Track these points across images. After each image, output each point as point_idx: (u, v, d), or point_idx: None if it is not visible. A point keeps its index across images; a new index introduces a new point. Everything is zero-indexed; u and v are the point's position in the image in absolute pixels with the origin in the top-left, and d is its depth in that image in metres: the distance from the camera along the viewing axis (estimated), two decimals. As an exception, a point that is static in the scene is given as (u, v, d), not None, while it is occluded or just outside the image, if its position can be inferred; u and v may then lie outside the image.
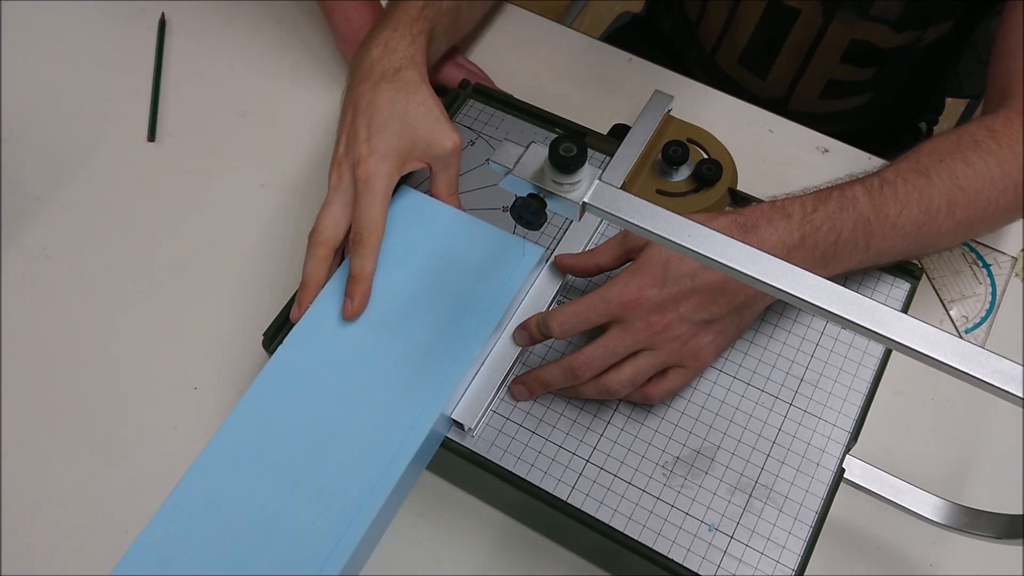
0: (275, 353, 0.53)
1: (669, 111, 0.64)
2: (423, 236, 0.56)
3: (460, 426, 0.52)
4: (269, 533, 0.47)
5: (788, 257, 0.49)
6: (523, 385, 0.54)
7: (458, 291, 0.54)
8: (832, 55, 0.81)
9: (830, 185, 0.53)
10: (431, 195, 0.59)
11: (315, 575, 0.46)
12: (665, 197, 0.61)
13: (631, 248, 0.53)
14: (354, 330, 0.53)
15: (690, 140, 0.63)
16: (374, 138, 0.56)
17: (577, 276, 0.57)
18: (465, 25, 0.71)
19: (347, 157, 0.57)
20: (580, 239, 0.59)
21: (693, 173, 0.62)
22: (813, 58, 0.82)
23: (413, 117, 0.57)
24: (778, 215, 0.51)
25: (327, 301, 0.55)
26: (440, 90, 0.66)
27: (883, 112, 0.89)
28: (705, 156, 0.63)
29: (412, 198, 0.58)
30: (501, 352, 0.54)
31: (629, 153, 0.61)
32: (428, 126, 0.57)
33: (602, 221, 0.60)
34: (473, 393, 0.53)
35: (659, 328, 0.50)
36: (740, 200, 0.61)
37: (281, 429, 0.50)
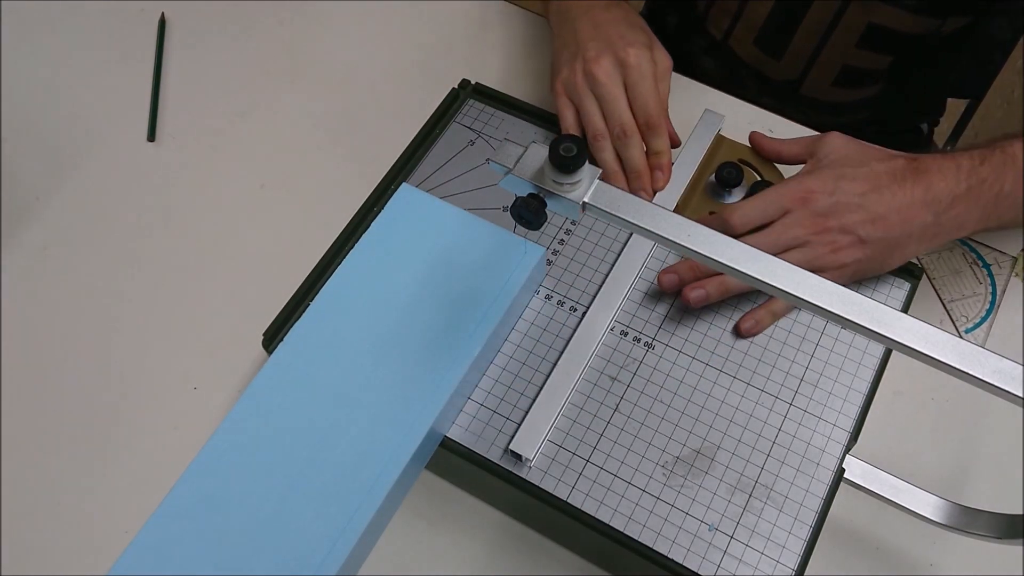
0: (274, 353, 0.53)
1: (720, 131, 0.63)
2: (424, 235, 0.56)
3: (518, 457, 0.52)
4: (266, 533, 0.47)
5: (951, 206, 0.54)
6: (675, 273, 0.56)
7: (459, 291, 0.54)
8: (849, 38, 0.80)
9: (991, 142, 0.56)
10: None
11: (312, 575, 0.46)
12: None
13: (811, 153, 0.58)
14: (353, 330, 0.53)
15: (742, 161, 0.62)
16: (625, 36, 0.60)
17: (760, 152, 0.61)
18: None
19: (607, 54, 0.60)
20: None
21: (746, 195, 0.60)
22: (829, 40, 0.82)
23: (641, 33, 0.62)
24: (949, 164, 0.54)
25: (327, 301, 0.55)
26: None
27: (890, 106, 0.89)
28: (759, 178, 0.61)
29: (413, 197, 0.58)
30: (558, 382, 0.54)
31: (682, 175, 0.61)
32: (649, 40, 0.62)
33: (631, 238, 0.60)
34: (531, 423, 0.52)
35: (820, 229, 0.54)
36: None
37: (279, 429, 0.50)
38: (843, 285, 0.53)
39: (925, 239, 0.55)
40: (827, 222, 0.54)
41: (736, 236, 0.52)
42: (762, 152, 0.61)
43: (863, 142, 0.57)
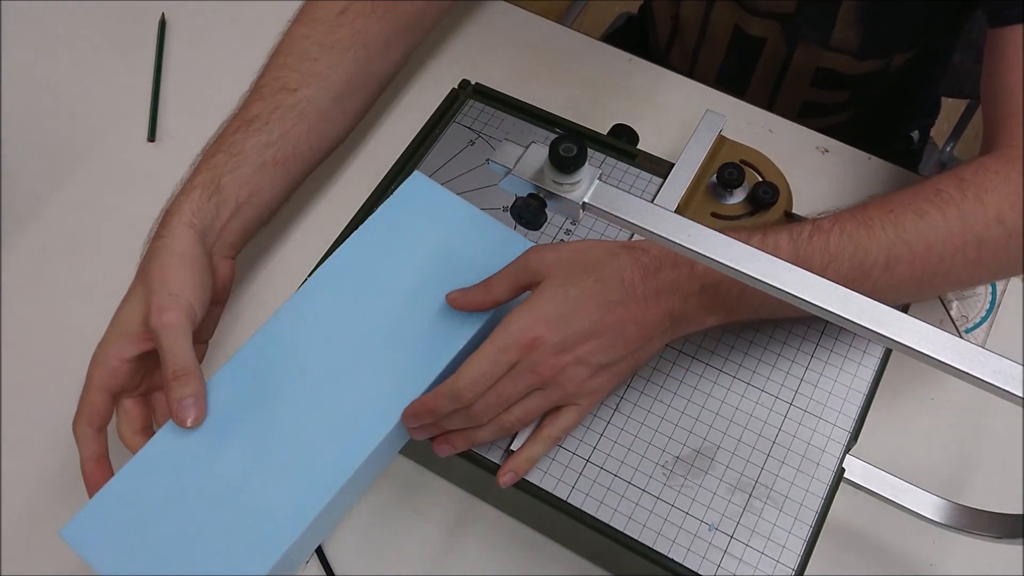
0: (267, 322, 0.53)
1: (721, 132, 0.63)
2: (430, 224, 0.56)
3: None
4: (230, 499, 0.48)
5: (684, 304, 0.49)
6: (413, 415, 0.49)
7: (456, 282, 0.54)
8: (802, 80, 0.82)
9: (760, 229, 0.51)
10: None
11: (271, 544, 0.47)
12: (720, 220, 0.60)
13: (526, 284, 0.50)
14: (347, 309, 0.53)
15: (743, 162, 0.61)
16: (113, 321, 0.54)
17: (473, 311, 0.52)
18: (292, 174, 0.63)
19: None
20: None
21: (748, 196, 0.60)
22: (784, 82, 0.83)
23: (138, 302, 0.54)
24: (682, 262, 0.49)
25: (326, 278, 0.55)
26: None
27: (867, 127, 0.89)
28: (760, 179, 0.61)
29: (424, 184, 0.58)
30: None
31: (683, 176, 0.60)
32: (149, 304, 0.53)
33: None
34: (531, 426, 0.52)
35: (554, 372, 0.48)
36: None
37: (259, 397, 0.51)
38: (600, 399, 0.51)
39: (668, 335, 0.51)
40: (561, 359, 0.48)
41: (470, 404, 0.47)
42: (476, 310, 0.52)
43: (574, 245, 0.50)
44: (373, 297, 0.54)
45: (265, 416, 0.50)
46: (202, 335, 0.58)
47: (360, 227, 0.56)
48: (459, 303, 0.51)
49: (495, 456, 0.52)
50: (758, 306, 0.51)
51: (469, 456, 0.52)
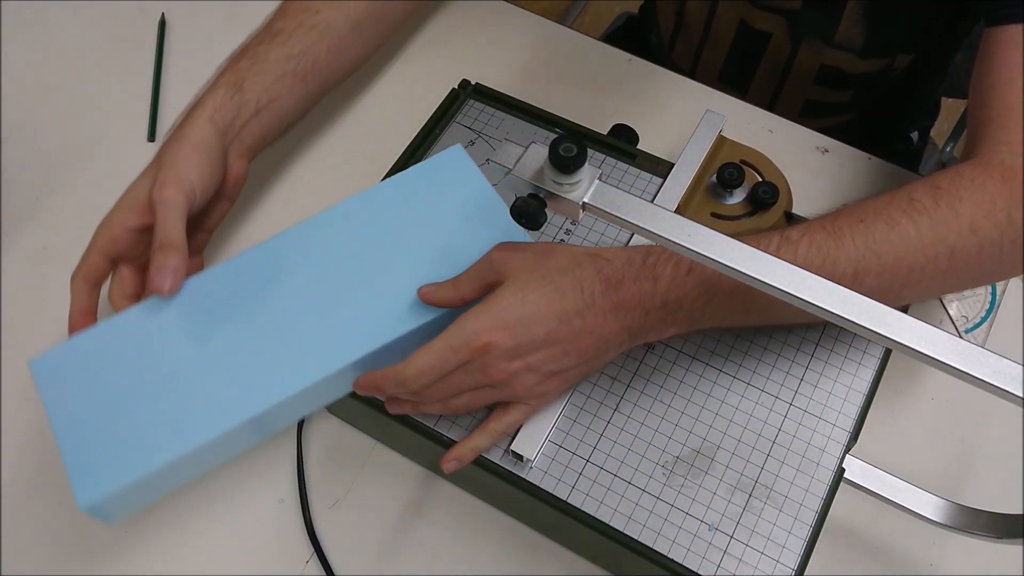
0: (271, 238, 0.54)
1: (721, 131, 0.63)
2: (448, 198, 0.56)
3: (519, 457, 0.52)
4: (184, 379, 0.50)
5: (645, 319, 0.49)
6: (363, 387, 0.51)
7: (446, 261, 0.54)
8: (805, 77, 0.81)
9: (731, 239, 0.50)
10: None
11: (198, 431, 0.48)
12: (720, 220, 0.60)
13: (490, 283, 0.50)
14: (346, 249, 0.54)
15: (743, 162, 0.61)
16: (124, 194, 0.58)
17: (442, 307, 0.52)
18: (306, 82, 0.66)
19: None
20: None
21: (748, 196, 0.60)
22: (787, 79, 0.83)
23: (148, 178, 0.58)
24: (646, 276, 0.49)
25: (338, 216, 0.55)
26: None
27: (867, 127, 0.89)
28: (760, 179, 0.61)
29: (459, 159, 0.57)
30: None
31: (683, 176, 0.60)
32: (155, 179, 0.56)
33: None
34: (532, 424, 0.52)
35: (504, 376, 0.48)
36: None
37: (239, 300, 0.52)
38: (550, 401, 0.52)
39: (625, 346, 0.51)
40: (512, 365, 0.48)
41: (414, 394, 0.48)
42: (445, 306, 0.52)
43: (539, 248, 0.50)
44: (371, 247, 0.54)
45: (239, 318, 0.52)
46: (206, 223, 0.62)
47: (384, 181, 0.57)
48: (428, 298, 0.51)
49: (495, 456, 0.52)
50: (724, 317, 0.51)
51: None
